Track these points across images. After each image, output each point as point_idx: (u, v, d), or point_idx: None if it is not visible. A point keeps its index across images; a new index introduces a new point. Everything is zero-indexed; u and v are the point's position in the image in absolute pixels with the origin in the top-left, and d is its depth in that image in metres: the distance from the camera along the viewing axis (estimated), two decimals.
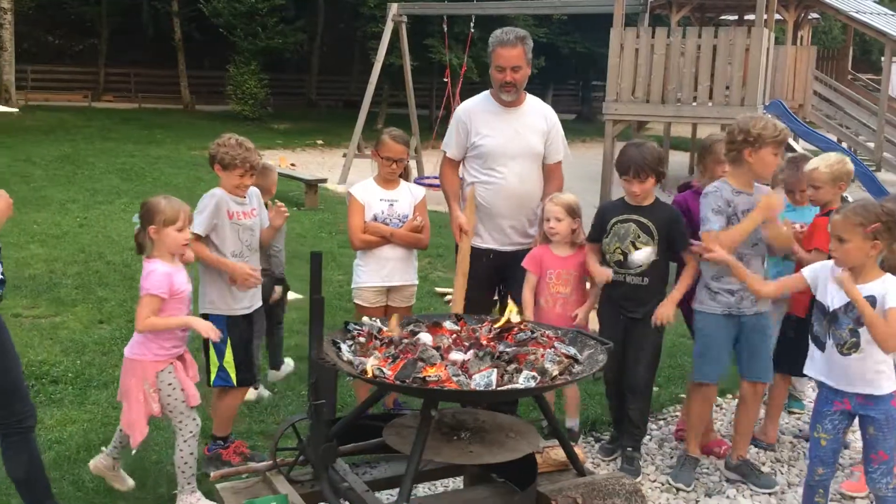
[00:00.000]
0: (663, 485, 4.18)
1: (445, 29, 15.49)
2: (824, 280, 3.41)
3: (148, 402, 3.63)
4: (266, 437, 4.49)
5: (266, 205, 4.41)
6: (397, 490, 3.59)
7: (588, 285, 4.47)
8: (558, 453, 3.37)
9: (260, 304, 4.32)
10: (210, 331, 3.67)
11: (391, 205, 4.55)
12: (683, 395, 5.31)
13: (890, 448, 3.32)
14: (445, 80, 14.99)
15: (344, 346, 3.07)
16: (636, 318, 4.18)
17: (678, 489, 4.09)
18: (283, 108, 27.89)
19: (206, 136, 20.52)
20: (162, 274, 3.57)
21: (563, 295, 4.37)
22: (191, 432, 3.71)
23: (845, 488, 4.06)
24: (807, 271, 3.51)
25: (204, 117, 25.23)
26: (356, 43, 29.74)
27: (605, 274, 4.17)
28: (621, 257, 4.16)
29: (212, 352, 4.10)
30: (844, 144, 15.44)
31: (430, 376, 2.79)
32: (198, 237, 3.95)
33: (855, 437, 4.30)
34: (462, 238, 4.38)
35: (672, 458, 4.47)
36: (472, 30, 14.56)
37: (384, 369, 2.85)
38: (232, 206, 4.06)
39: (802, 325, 4.10)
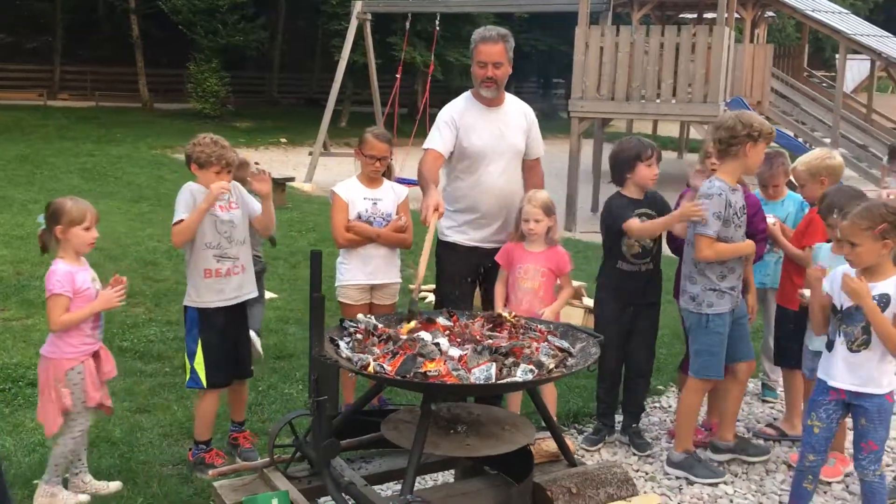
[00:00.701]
0: (647, 474, 4.28)
1: (407, 26, 15.49)
2: (838, 282, 3.49)
3: (60, 398, 3.70)
4: (252, 436, 4.49)
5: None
6: (392, 484, 3.66)
7: (559, 283, 4.54)
8: (549, 445, 3.44)
9: (252, 294, 4.28)
10: (109, 300, 3.75)
11: (375, 203, 4.60)
12: (661, 387, 5.44)
13: (879, 439, 3.44)
14: (397, 75, 15.01)
15: (342, 343, 3.10)
16: (643, 304, 4.47)
17: (714, 484, 4.17)
18: (244, 107, 27.64)
19: (166, 135, 20.29)
20: (64, 273, 3.66)
21: (530, 290, 4.39)
22: (79, 431, 3.77)
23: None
24: (826, 282, 3.58)
25: (164, 116, 24.90)
26: (318, 41, 29.60)
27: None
28: (640, 250, 4.38)
29: (185, 353, 4.10)
30: (801, 140, 15.78)
31: (430, 371, 2.83)
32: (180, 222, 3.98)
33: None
34: (433, 217, 3.99)
35: (654, 447, 4.57)
36: (437, 27, 14.59)
37: (384, 365, 2.90)
38: None
39: (800, 318, 4.26)
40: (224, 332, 4.13)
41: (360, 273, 4.59)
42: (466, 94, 4.57)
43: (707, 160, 4.51)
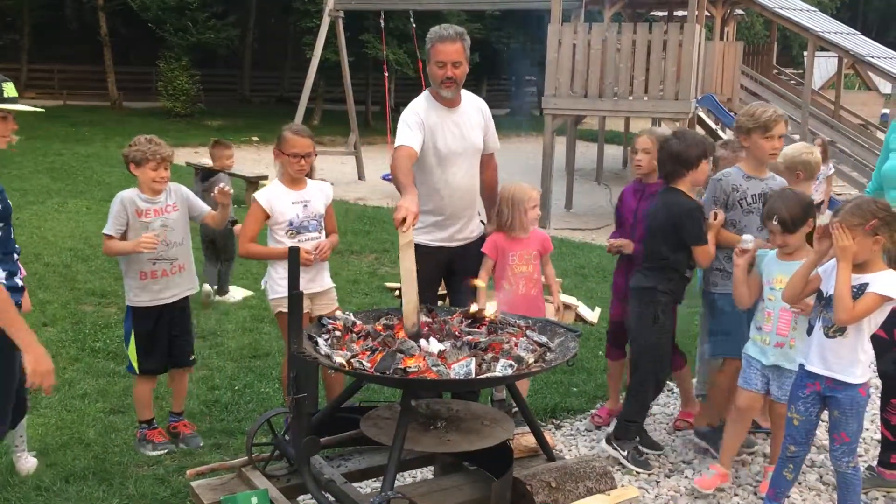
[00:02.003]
0: (623, 467, 4.30)
1: (382, 24, 15.45)
2: (829, 268, 3.55)
3: None
4: (228, 435, 4.47)
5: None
6: (371, 481, 3.66)
7: (547, 276, 4.59)
8: (528, 439, 3.45)
9: (192, 291, 4.45)
10: None
11: (305, 206, 4.36)
12: None
13: (852, 432, 3.50)
14: (385, 73, 14.99)
15: (320, 341, 3.09)
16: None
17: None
18: (215, 105, 27.42)
19: (136, 134, 19.87)
20: None
21: (526, 274, 4.50)
22: None
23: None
24: (820, 270, 3.62)
25: (133, 114, 24.64)
26: (289, 38, 29.46)
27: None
28: None
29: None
30: None
31: (409, 367, 2.83)
32: (109, 237, 4.20)
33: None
34: (409, 228, 3.61)
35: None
36: (413, 24, 14.60)
37: (363, 361, 2.89)
38: (140, 205, 4.21)
39: None
40: (158, 326, 4.31)
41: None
42: (426, 94, 4.41)
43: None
